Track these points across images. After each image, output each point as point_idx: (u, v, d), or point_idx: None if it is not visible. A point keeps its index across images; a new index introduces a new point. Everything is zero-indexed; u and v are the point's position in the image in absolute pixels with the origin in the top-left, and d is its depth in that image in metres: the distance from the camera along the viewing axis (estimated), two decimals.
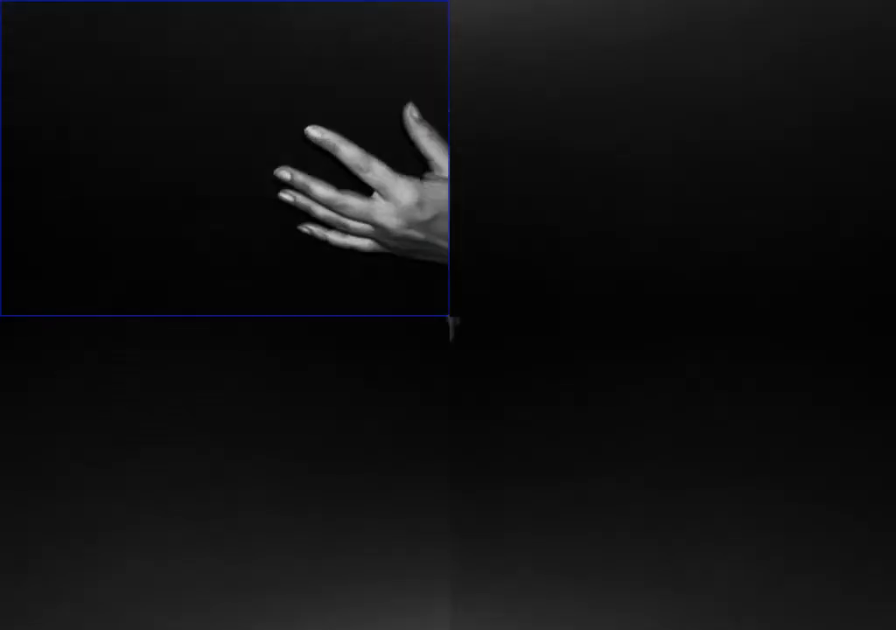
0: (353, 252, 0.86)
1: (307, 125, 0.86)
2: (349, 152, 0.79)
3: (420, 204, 0.79)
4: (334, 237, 0.82)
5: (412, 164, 0.89)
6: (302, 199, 0.81)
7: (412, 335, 0.88)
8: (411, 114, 0.81)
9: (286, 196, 0.82)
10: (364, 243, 0.82)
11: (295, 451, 0.86)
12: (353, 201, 0.79)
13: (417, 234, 0.80)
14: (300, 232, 0.84)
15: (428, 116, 0.88)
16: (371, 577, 0.84)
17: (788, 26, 0.88)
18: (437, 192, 0.80)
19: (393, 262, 0.88)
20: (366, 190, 0.81)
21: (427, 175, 0.81)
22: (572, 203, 0.89)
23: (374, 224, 0.80)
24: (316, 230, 0.83)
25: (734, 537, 0.86)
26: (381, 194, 0.79)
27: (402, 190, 0.79)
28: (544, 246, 0.89)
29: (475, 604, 0.85)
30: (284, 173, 0.81)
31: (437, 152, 0.81)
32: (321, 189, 0.80)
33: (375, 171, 0.79)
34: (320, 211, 0.81)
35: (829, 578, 0.86)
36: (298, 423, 0.86)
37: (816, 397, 0.88)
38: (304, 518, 0.85)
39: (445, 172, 0.81)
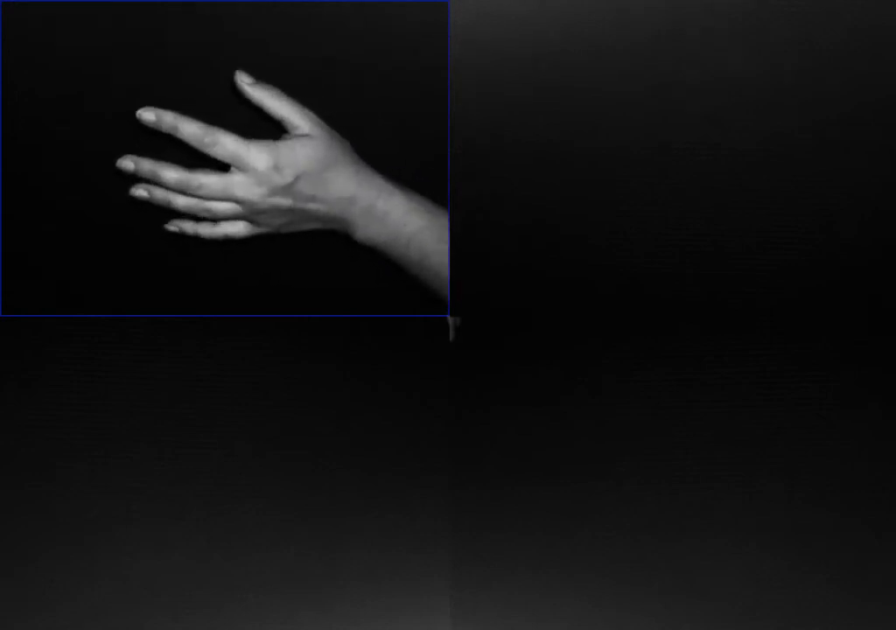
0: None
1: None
2: (191, 129, 0.74)
3: (277, 167, 0.74)
4: (205, 230, 0.77)
5: (417, 166, 0.89)
6: (158, 193, 0.75)
7: (412, 335, 0.88)
8: (244, 81, 0.76)
9: (140, 192, 0.76)
10: (237, 229, 0.77)
11: (294, 450, 0.86)
12: (208, 179, 0.74)
13: (283, 201, 0.75)
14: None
15: (428, 116, 0.88)
16: (371, 577, 0.84)
17: (788, 27, 0.88)
18: (294, 151, 0.75)
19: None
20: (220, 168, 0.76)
21: (284, 136, 0.76)
22: (573, 203, 0.89)
23: (237, 200, 0.75)
24: (185, 226, 0.77)
25: (735, 536, 0.86)
26: (235, 166, 0.74)
27: (256, 156, 0.74)
28: (544, 246, 0.89)
29: (475, 604, 0.85)
30: (127, 163, 0.75)
31: (287, 110, 0.76)
32: (171, 172, 0.74)
33: (223, 143, 0.74)
34: (181, 201, 0.75)
35: (829, 580, 0.86)
36: (298, 423, 0.86)
37: (817, 396, 0.88)
38: (304, 518, 0.85)
39: (301, 129, 0.76)
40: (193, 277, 0.91)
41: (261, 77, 0.87)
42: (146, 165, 0.75)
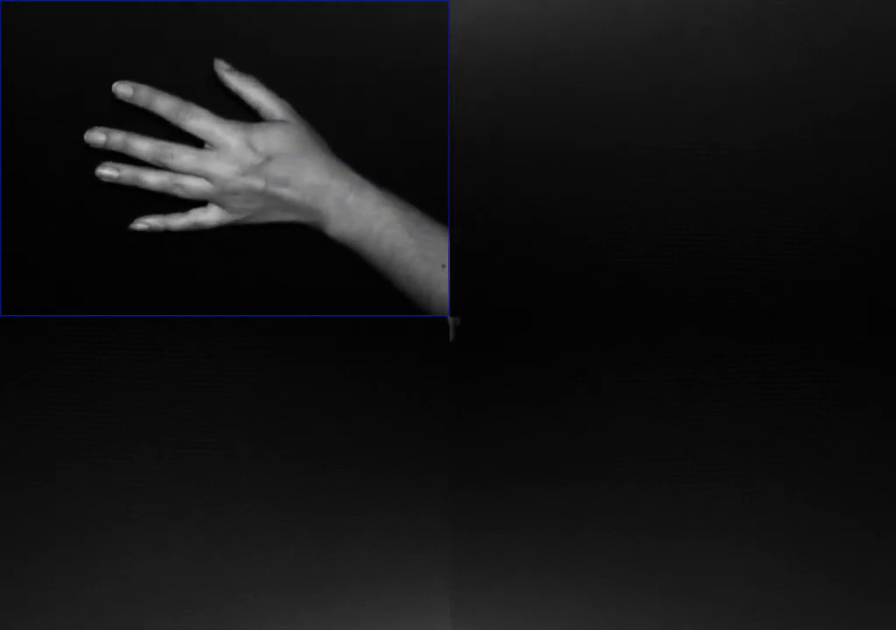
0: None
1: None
2: (166, 102, 0.74)
3: (250, 145, 0.74)
4: (176, 222, 0.77)
5: (417, 166, 0.89)
6: (127, 171, 0.75)
7: (412, 335, 0.88)
8: (223, 68, 0.77)
9: (108, 171, 0.75)
10: (208, 216, 0.77)
11: (294, 450, 0.86)
12: (181, 149, 0.74)
13: (256, 182, 0.75)
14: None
15: (428, 116, 0.88)
16: (371, 577, 0.84)
17: (788, 27, 0.88)
18: (267, 133, 0.75)
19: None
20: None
21: (259, 123, 0.77)
22: (572, 203, 0.89)
23: (208, 176, 0.75)
24: (153, 222, 0.77)
25: (736, 537, 0.86)
26: (209, 142, 0.75)
27: (230, 133, 0.74)
28: (544, 246, 0.89)
29: (475, 604, 0.85)
30: (98, 136, 0.74)
31: (263, 97, 0.77)
32: (144, 143, 0.74)
33: (199, 115, 0.74)
34: (151, 178, 0.75)
35: (829, 579, 0.86)
36: (298, 423, 0.86)
37: (817, 396, 0.88)
38: (304, 518, 0.85)
39: (276, 116, 0.77)
40: (193, 278, 0.91)
41: (262, 77, 0.87)
42: (117, 137, 0.74)
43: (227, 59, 0.87)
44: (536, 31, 0.87)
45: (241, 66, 0.86)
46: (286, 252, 0.88)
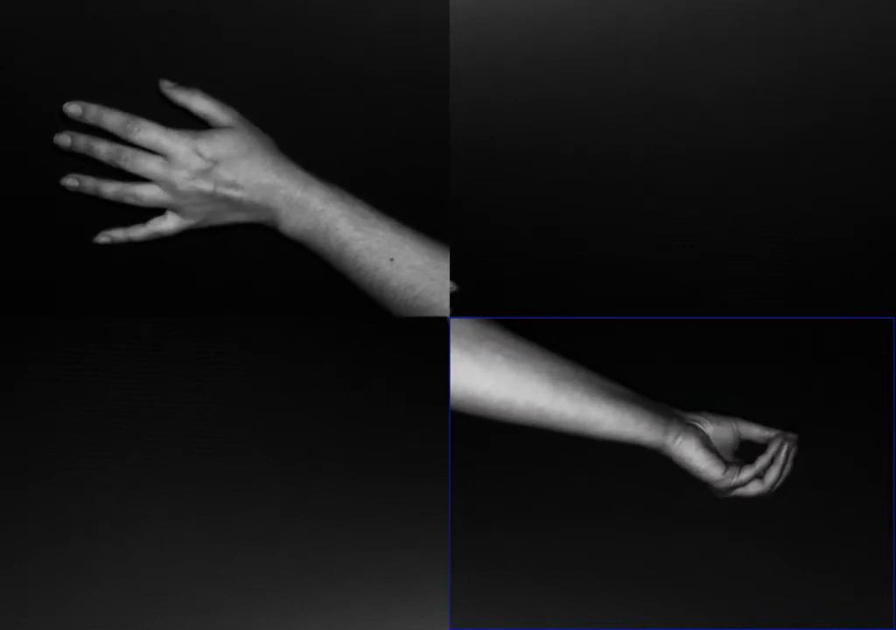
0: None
1: (308, 124, 0.86)
2: (113, 118, 0.78)
3: (196, 151, 0.78)
4: (137, 233, 0.81)
5: (417, 167, 0.89)
6: (89, 182, 0.80)
7: (411, 334, 0.88)
8: (167, 86, 0.80)
9: (70, 181, 0.80)
10: (168, 224, 0.81)
11: (294, 451, 0.86)
12: (135, 152, 0.78)
13: (205, 186, 0.79)
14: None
15: (428, 116, 0.88)
16: (371, 578, 0.84)
17: (788, 27, 0.88)
18: (213, 139, 0.79)
19: None
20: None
21: (207, 130, 0.80)
22: (573, 203, 0.89)
23: (158, 182, 0.79)
24: (115, 234, 0.82)
25: (738, 537, 0.86)
26: (158, 151, 0.78)
27: (176, 141, 0.78)
28: (544, 246, 0.89)
29: (475, 604, 0.85)
30: (64, 138, 0.79)
31: (209, 107, 0.80)
32: (104, 145, 0.78)
33: (146, 128, 0.78)
34: (109, 188, 0.79)
35: (829, 579, 0.86)
36: (298, 423, 0.86)
37: (818, 396, 0.88)
38: (304, 518, 0.85)
39: (223, 123, 0.80)
40: (194, 280, 0.91)
41: (261, 77, 0.87)
42: (81, 140, 0.78)
43: (227, 60, 0.87)
44: (536, 31, 0.87)
45: (241, 67, 0.86)
46: (288, 253, 0.88)
